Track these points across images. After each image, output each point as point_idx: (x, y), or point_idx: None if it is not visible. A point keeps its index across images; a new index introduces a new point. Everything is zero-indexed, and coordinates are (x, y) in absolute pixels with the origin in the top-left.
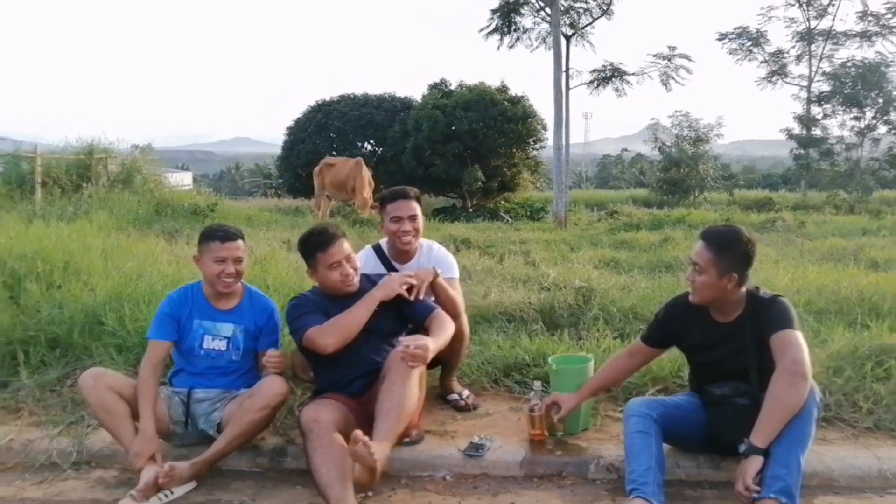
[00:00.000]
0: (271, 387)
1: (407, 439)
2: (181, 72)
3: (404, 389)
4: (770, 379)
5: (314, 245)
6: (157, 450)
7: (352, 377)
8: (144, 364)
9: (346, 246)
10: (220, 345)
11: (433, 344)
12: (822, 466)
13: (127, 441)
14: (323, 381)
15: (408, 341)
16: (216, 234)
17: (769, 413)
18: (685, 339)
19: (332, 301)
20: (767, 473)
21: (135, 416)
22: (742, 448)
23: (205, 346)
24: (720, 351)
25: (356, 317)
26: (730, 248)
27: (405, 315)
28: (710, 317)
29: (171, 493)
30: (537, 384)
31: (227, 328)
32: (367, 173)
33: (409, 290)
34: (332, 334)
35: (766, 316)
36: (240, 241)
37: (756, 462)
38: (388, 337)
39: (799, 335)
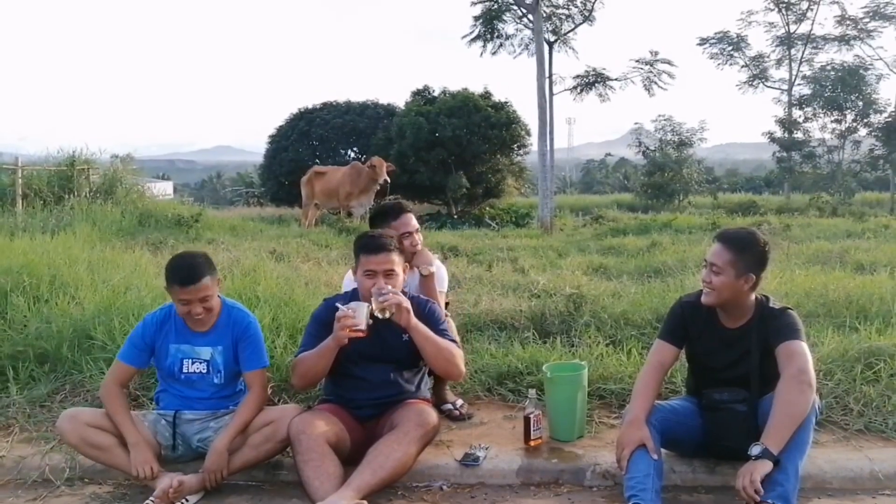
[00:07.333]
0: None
1: None
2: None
3: (403, 455)
4: (769, 387)
5: (361, 246)
6: (154, 456)
7: (361, 401)
8: (109, 383)
9: (395, 257)
10: (201, 368)
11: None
12: (814, 469)
13: (126, 466)
14: (331, 392)
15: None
16: (175, 278)
17: (779, 420)
18: (692, 339)
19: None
20: (767, 478)
21: (123, 444)
22: (756, 450)
23: (185, 370)
24: (724, 356)
25: (316, 364)
26: (748, 249)
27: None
28: (717, 321)
29: (187, 500)
30: (532, 392)
31: (206, 351)
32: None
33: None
34: (297, 376)
35: (774, 326)
36: (204, 281)
37: (767, 466)
38: (404, 367)
39: (805, 347)
